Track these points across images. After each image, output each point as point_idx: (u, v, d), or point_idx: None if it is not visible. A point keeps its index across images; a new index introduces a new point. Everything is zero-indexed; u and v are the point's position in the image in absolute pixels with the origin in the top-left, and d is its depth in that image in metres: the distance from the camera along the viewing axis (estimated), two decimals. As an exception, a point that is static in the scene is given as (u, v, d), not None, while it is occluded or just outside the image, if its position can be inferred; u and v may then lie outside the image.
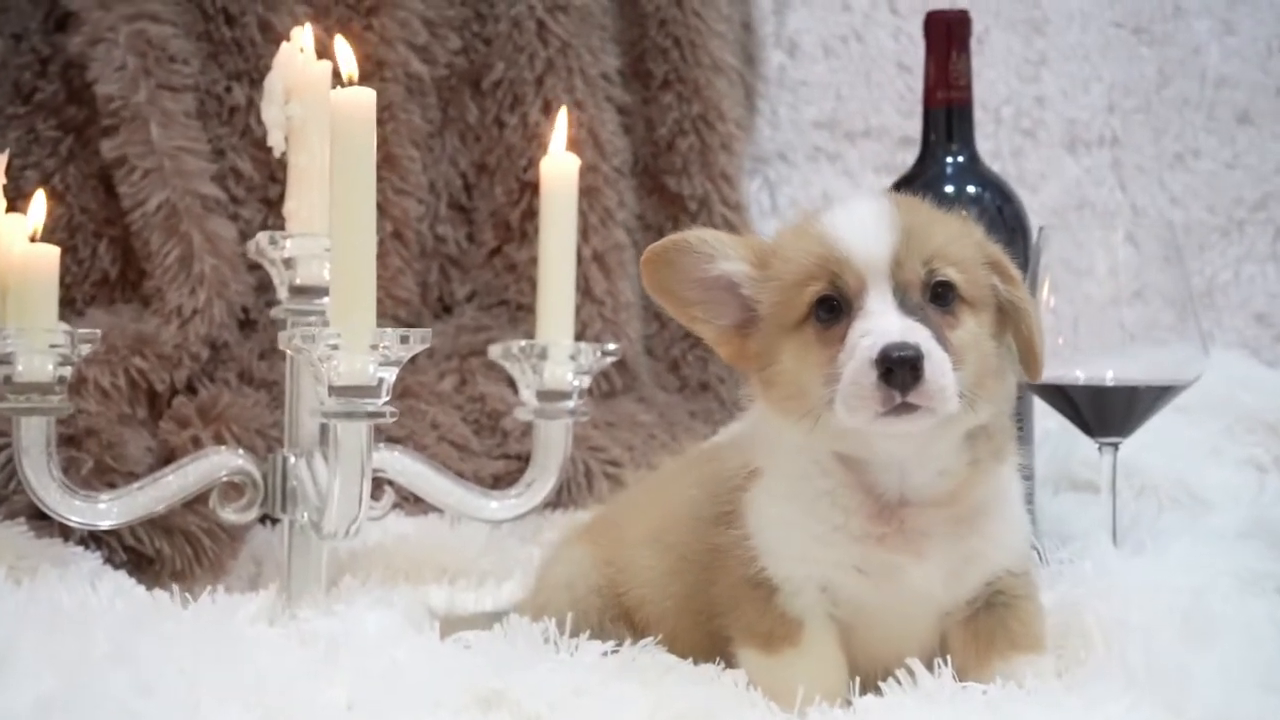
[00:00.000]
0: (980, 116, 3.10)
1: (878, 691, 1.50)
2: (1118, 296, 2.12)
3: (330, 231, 1.82)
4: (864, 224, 1.50)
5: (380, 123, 2.60)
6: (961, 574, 1.55)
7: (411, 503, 2.28)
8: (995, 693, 1.47)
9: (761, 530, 1.57)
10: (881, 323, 1.45)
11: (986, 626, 1.57)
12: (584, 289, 2.67)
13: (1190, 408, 2.49)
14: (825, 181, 3.11)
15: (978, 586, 1.56)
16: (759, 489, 1.58)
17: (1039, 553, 1.80)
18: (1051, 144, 3.19)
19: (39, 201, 2.03)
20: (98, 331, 2.01)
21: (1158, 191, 3.22)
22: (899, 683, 1.49)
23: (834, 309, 1.49)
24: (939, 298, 1.49)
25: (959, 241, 1.53)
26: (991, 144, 3.14)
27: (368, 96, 1.81)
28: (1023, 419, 2.23)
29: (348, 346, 1.78)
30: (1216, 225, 3.24)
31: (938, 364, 1.44)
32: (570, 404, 2.17)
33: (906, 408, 1.43)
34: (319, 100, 2.01)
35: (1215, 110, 3.29)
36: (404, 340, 1.80)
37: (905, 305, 1.47)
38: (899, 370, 1.42)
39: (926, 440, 1.49)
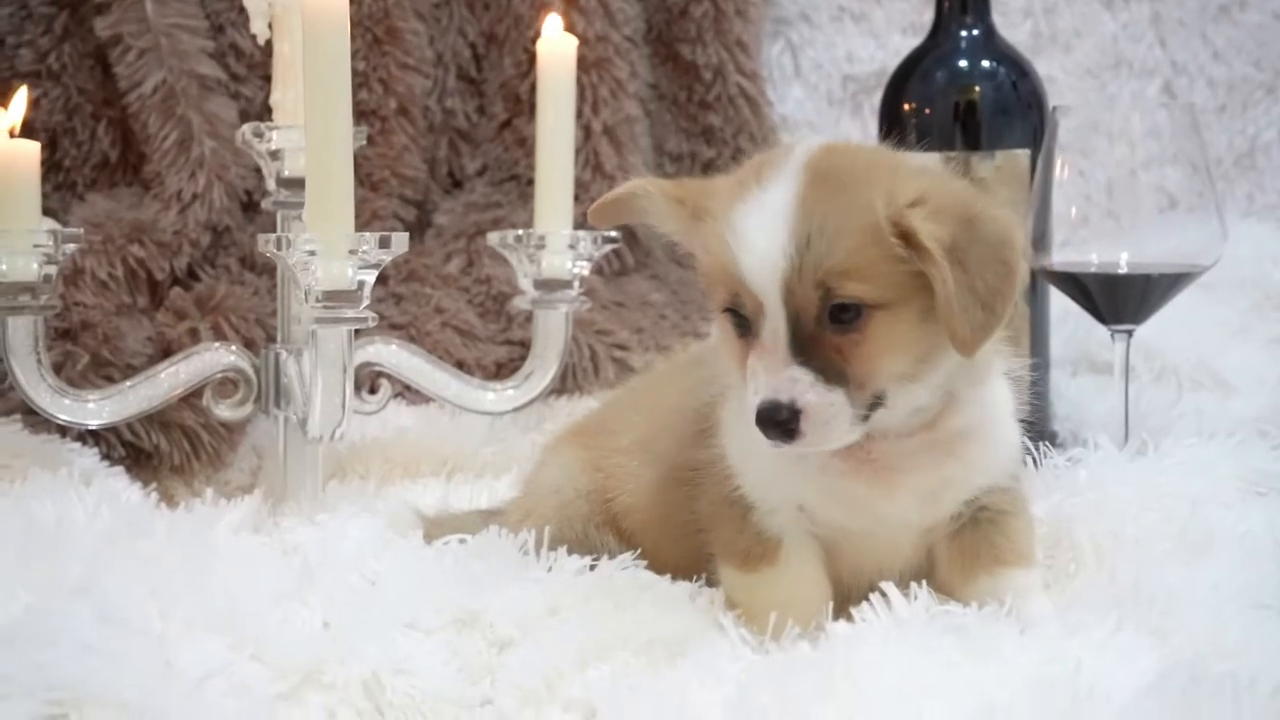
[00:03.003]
0: (1012, -28, 3.01)
1: (850, 617, 1.47)
2: (1133, 174, 2.04)
3: (305, 135, 1.77)
4: (759, 241, 1.38)
5: (384, -6, 2.56)
6: (937, 499, 1.50)
7: (413, 391, 2.25)
8: (971, 617, 1.44)
9: (735, 450, 1.53)
10: (764, 367, 1.39)
11: (972, 542, 1.53)
12: (594, 164, 2.61)
13: (1216, 285, 2.41)
14: (849, 43, 3.00)
15: (956, 506, 1.52)
16: (731, 408, 1.54)
17: (1033, 458, 1.75)
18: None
19: (20, 98, 1.99)
20: (80, 231, 1.98)
21: (1200, 47, 3.09)
22: (873, 607, 1.46)
23: (739, 317, 1.43)
24: (842, 311, 1.38)
25: (865, 243, 1.37)
26: (1023, 1, 3.02)
27: (340, -8, 1.75)
28: (1039, 302, 2.19)
29: (325, 252, 1.75)
30: (1262, 81, 3.10)
31: (817, 415, 1.37)
32: (570, 293, 2.13)
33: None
34: (301, -15, 1.95)
35: (1265, -43, 3.15)
36: (383, 243, 1.76)
37: (798, 335, 1.38)
38: (770, 432, 1.38)
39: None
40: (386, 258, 1.78)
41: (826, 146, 1.46)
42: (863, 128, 3.00)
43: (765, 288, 1.38)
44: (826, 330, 1.38)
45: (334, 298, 1.76)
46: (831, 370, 1.38)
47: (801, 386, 1.38)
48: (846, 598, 1.52)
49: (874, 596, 1.47)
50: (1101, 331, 2.08)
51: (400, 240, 1.78)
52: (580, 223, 2.26)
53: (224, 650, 1.43)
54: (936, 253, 1.36)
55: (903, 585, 1.48)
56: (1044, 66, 2.91)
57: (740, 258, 1.39)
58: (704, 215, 1.46)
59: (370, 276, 1.78)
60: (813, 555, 1.53)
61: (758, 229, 1.39)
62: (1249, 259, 2.61)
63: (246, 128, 1.99)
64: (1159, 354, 2.40)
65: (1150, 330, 2.10)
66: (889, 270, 1.38)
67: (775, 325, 1.39)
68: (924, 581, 1.50)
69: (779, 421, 1.37)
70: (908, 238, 1.37)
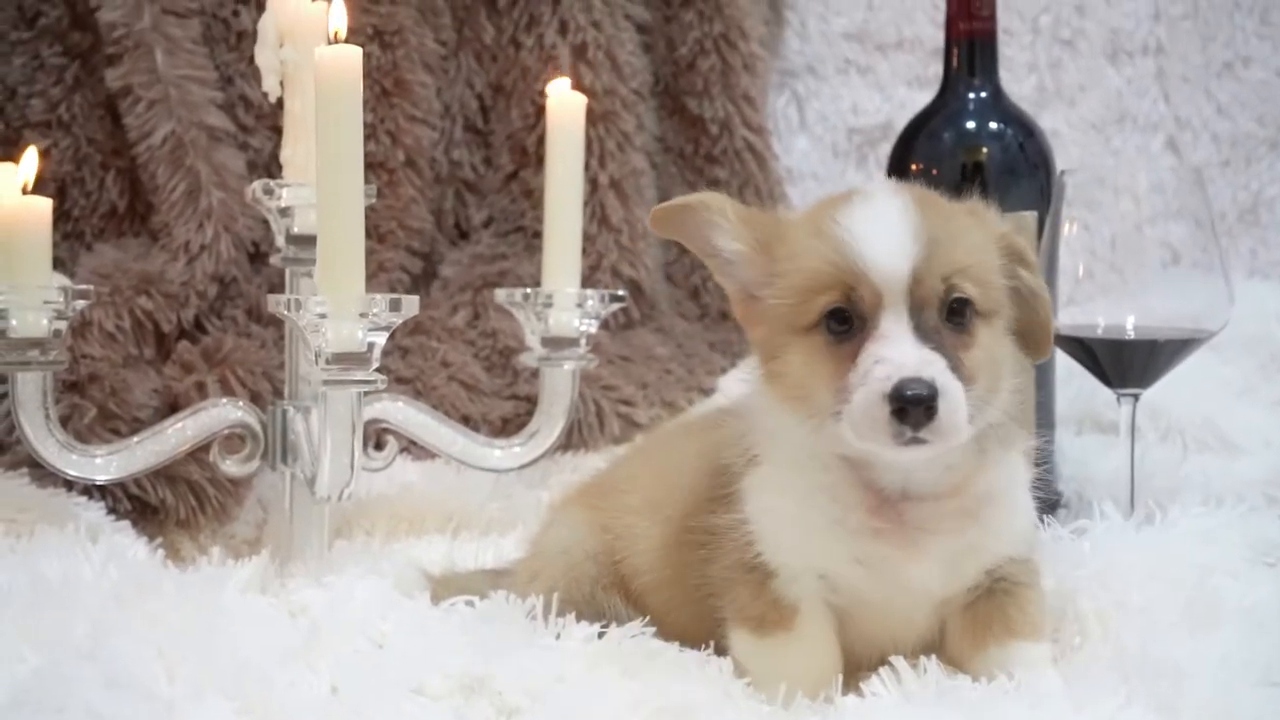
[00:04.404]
0: (1017, 26, 3.02)
1: (860, 689, 1.47)
2: (1138, 229, 2.04)
3: (317, 196, 1.78)
4: (884, 233, 1.42)
5: (392, 47, 2.58)
6: (960, 566, 1.51)
7: (419, 446, 2.25)
8: (980, 692, 1.44)
9: (759, 517, 1.53)
10: (896, 351, 1.39)
11: (985, 613, 1.54)
12: (600, 217, 2.62)
13: (1222, 345, 2.40)
14: (855, 95, 3.02)
15: (978, 576, 1.53)
16: (757, 475, 1.54)
17: (1041, 521, 1.75)
18: (1092, 54, 3.07)
19: (31, 155, 1.99)
20: (90, 288, 1.98)
21: (1204, 102, 3.10)
22: (882, 680, 1.46)
23: (846, 321, 1.43)
24: (955, 314, 1.43)
25: (980, 250, 1.46)
26: (1028, 55, 3.03)
27: (353, 55, 1.75)
28: (1045, 363, 2.19)
29: (336, 314, 1.75)
30: (1265, 138, 3.12)
31: (952, 399, 1.38)
32: (577, 350, 2.13)
33: (916, 440, 1.38)
34: (314, 44, 1.95)
35: (1269, 14, 3.15)
36: (394, 306, 1.77)
37: (920, 326, 1.40)
38: (913, 409, 1.37)
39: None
40: (397, 320, 1.78)
41: (897, 183, 1.54)
42: (867, 180, 3.01)
43: (891, 277, 1.41)
44: (944, 327, 1.42)
45: (344, 359, 1.77)
46: (953, 362, 1.41)
47: (938, 367, 1.39)
48: (857, 668, 1.53)
49: (883, 670, 1.47)
50: (1106, 390, 2.08)
51: (410, 303, 1.79)
52: (587, 278, 2.27)
53: (232, 716, 1.43)
54: (1038, 268, 1.49)
55: (913, 658, 1.49)
56: (1048, 121, 2.93)
57: (864, 249, 1.41)
58: (782, 236, 1.49)
59: (380, 338, 1.78)
60: (828, 624, 1.53)
61: (884, 223, 1.43)
62: (1254, 317, 2.61)
63: (257, 185, 1.99)
64: (1164, 413, 2.40)
65: (1156, 390, 2.09)
66: (994, 281, 1.46)
67: (897, 316, 1.41)
68: (934, 655, 1.50)
69: (921, 399, 1.37)
70: (1019, 255, 1.49)
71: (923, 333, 1.40)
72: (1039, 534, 1.63)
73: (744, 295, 1.54)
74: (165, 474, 2.13)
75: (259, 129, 2.55)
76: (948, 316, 1.43)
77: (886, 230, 1.42)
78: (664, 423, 2.41)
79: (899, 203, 1.45)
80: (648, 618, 1.63)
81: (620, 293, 2.15)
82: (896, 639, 1.53)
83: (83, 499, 2.09)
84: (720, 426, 1.65)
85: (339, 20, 1.80)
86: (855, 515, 1.49)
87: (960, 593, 1.53)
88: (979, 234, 1.48)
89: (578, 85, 2.20)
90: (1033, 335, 1.53)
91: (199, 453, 2.08)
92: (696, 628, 1.62)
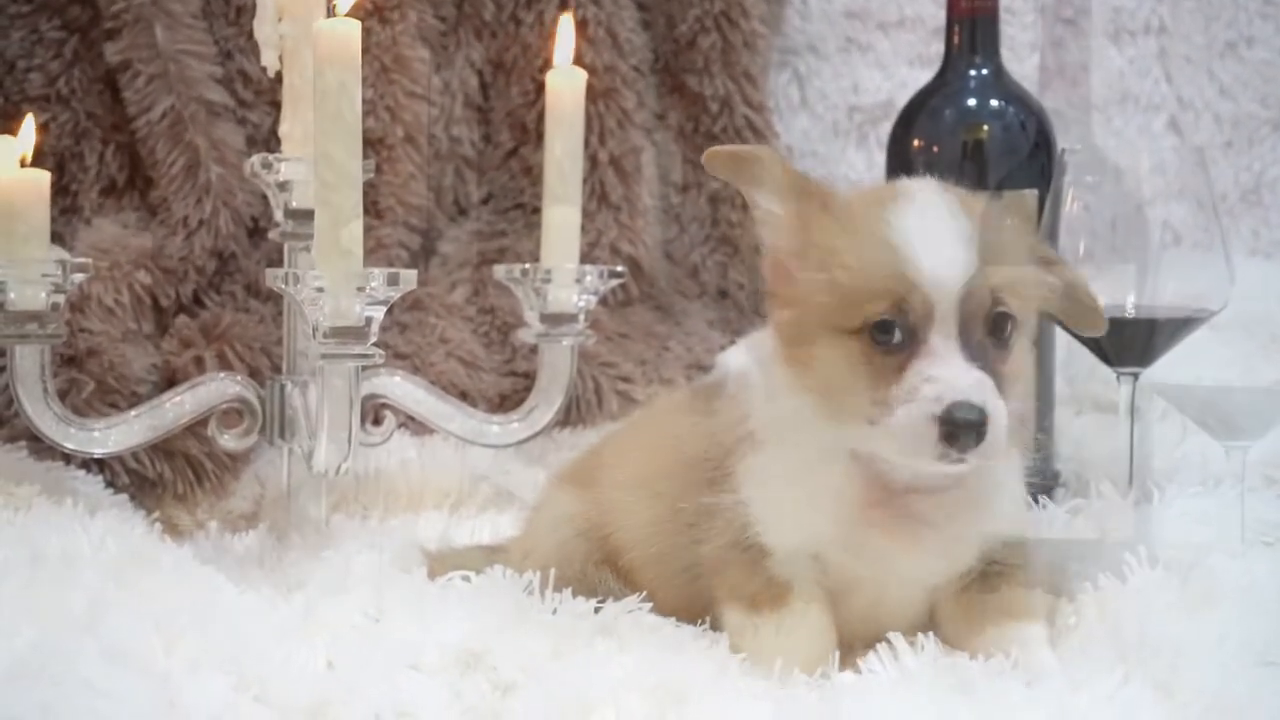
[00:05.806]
0: (1019, 5, 3.01)
1: (856, 667, 1.47)
2: (1141, 219, 2.04)
3: (315, 171, 1.77)
4: (938, 242, 1.39)
5: (391, 22, 2.57)
6: (955, 553, 1.51)
7: (416, 422, 2.25)
8: (977, 670, 1.44)
9: (757, 500, 1.52)
10: (947, 371, 1.37)
11: (979, 595, 1.54)
12: (600, 195, 2.61)
13: (1223, 324, 2.38)
14: (856, 74, 3.00)
15: (970, 560, 1.52)
16: (756, 458, 1.53)
17: (1034, 498, 1.76)
18: (1094, 33, 3.06)
19: (28, 126, 1.99)
20: (89, 261, 1.97)
21: (1206, 83, 3.09)
22: (879, 658, 1.46)
23: (892, 331, 1.39)
24: (997, 328, 1.41)
25: (1020, 260, 1.44)
26: (1030, 35, 3.02)
27: (352, 29, 1.74)
28: (1045, 342, 2.19)
29: (333, 289, 1.75)
30: (1268, 118, 3.10)
31: (997, 421, 1.37)
32: (575, 327, 2.13)
33: (959, 460, 1.37)
34: (313, 18, 1.95)
35: (1273, -6, 3.15)
36: (391, 281, 1.77)
37: (967, 343, 1.38)
38: (964, 434, 1.35)
39: None
40: (395, 294, 1.78)
41: (926, 180, 1.49)
42: (868, 159, 3.00)
43: (943, 291, 1.38)
44: (986, 343, 1.40)
45: (341, 334, 1.76)
46: (996, 379, 1.39)
47: (988, 390, 1.37)
48: (850, 649, 1.53)
49: (881, 647, 1.47)
50: (1105, 370, 2.07)
51: (409, 277, 1.78)
52: (586, 255, 2.27)
53: (228, 691, 1.42)
54: (1065, 262, 1.51)
55: (909, 635, 1.49)
56: (1050, 100, 2.91)
57: (920, 259, 1.38)
58: (823, 221, 1.45)
59: (378, 313, 1.78)
60: (822, 601, 1.53)
61: (937, 231, 1.39)
62: (1255, 298, 2.59)
63: (255, 159, 1.99)
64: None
65: (1155, 369, 2.09)
66: (1031, 293, 1.44)
67: (947, 331, 1.38)
68: (931, 633, 1.50)
69: (972, 424, 1.35)
70: (1049, 260, 1.48)
71: (970, 350, 1.38)
72: (1031, 514, 1.63)
73: (777, 258, 1.50)
74: (163, 448, 2.13)
75: (258, 104, 2.54)
76: (989, 331, 1.41)
77: (940, 239, 1.39)
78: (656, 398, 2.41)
79: (949, 208, 1.42)
80: (643, 593, 1.64)
81: (619, 269, 2.15)
82: (891, 622, 1.53)
83: (80, 472, 2.10)
84: (714, 405, 1.64)
85: (342, -7, 1.80)
86: (856, 507, 1.49)
87: (953, 578, 1.54)
88: (1020, 242, 1.47)
89: (577, 60, 2.19)
90: (1087, 319, 1.56)
91: (197, 427, 2.08)
92: (685, 606, 1.62)
